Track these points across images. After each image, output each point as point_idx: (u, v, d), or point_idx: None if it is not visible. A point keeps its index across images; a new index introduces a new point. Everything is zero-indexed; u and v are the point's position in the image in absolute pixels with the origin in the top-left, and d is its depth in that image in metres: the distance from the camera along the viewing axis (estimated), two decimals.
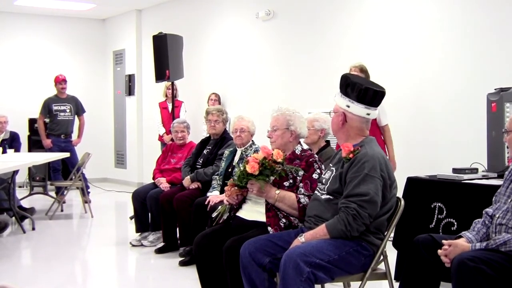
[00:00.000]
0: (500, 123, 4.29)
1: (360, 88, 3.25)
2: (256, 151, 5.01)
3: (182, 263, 5.38)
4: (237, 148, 5.28)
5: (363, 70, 5.98)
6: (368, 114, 3.31)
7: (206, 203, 5.04)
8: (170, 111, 8.89)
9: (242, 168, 3.68)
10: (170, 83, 8.70)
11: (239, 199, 3.86)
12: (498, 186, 3.30)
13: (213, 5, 9.75)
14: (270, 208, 3.67)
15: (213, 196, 5.12)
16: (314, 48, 7.80)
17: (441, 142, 6.21)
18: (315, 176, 3.67)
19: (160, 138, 9.30)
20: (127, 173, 12.09)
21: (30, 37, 11.97)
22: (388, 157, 5.91)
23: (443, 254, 2.97)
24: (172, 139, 8.53)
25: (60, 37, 12.25)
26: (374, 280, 3.35)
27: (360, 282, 3.24)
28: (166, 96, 9.19)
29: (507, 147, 3.12)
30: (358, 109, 3.30)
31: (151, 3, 11.14)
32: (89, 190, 9.30)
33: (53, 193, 9.35)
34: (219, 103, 8.93)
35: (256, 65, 8.87)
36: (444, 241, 3.02)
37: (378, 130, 5.90)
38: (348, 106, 3.30)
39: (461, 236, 3.10)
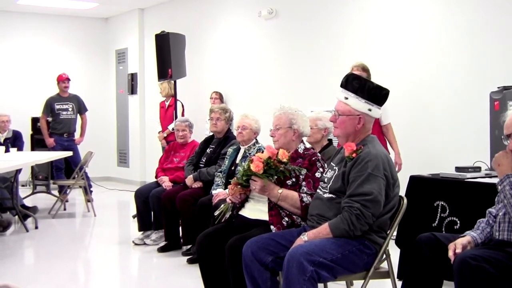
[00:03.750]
0: (503, 122, 4.28)
1: (375, 87, 3.29)
2: (259, 150, 5.02)
3: (190, 261, 5.38)
4: (241, 146, 5.30)
5: (364, 69, 5.97)
6: (370, 110, 3.33)
7: (213, 200, 5.04)
8: (166, 109, 8.93)
9: (246, 167, 3.68)
10: (164, 82, 8.75)
11: (242, 198, 3.86)
12: None
13: (216, 3, 9.75)
14: (273, 207, 3.66)
15: (221, 192, 5.12)
16: (317, 47, 7.79)
17: (444, 141, 6.20)
18: (317, 174, 3.67)
19: None
20: (130, 172, 12.10)
21: (33, 36, 11.98)
22: (394, 154, 5.94)
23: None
24: (165, 138, 8.64)
25: (62, 36, 12.26)
26: (377, 279, 3.35)
27: (363, 281, 3.24)
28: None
29: None
30: (377, 112, 3.33)
31: (154, 2, 11.14)
32: (91, 189, 9.31)
33: (56, 192, 9.36)
34: (221, 102, 8.93)
35: (258, 63, 8.87)
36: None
37: (379, 129, 5.91)
38: (370, 110, 3.30)
39: (465, 235, 3.10)
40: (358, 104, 3.29)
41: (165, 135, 8.75)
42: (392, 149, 5.99)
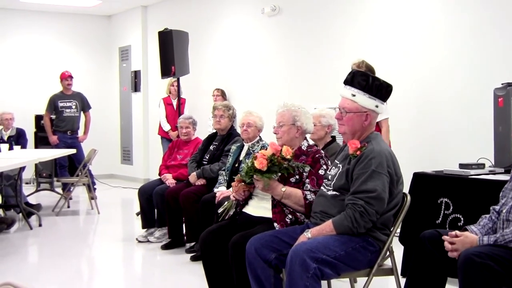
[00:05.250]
0: (507, 118, 4.27)
1: (381, 84, 3.28)
2: (263, 147, 5.02)
3: (193, 258, 5.38)
4: (244, 144, 5.29)
5: (370, 69, 5.91)
6: (377, 107, 3.32)
7: (216, 197, 5.03)
8: (176, 107, 8.92)
9: (249, 164, 3.67)
10: (174, 79, 8.74)
11: (245, 195, 3.86)
12: (505, 181, 3.28)
13: (219, 0, 9.74)
14: (276, 204, 3.66)
15: (225, 191, 5.11)
16: (320, 44, 7.78)
17: (447, 138, 6.19)
18: (321, 172, 3.66)
19: (161, 132, 9.27)
20: (133, 169, 12.11)
21: (36, 34, 12.00)
22: None
23: (449, 241, 2.95)
24: (178, 135, 8.62)
25: (66, 33, 12.27)
26: (381, 276, 3.35)
27: (367, 278, 3.24)
28: (170, 92, 9.18)
29: None
30: (382, 108, 3.32)
31: None
32: (95, 186, 9.32)
33: (59, 190, 9.38)
34: (224, 99, 8.92)
35: (261, 61, 8.86)
36: (457, 232, 2.99)
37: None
38: (377, 106, 3.29)
39: (466, 229, 3.10)
40: (366, 101, 3.28)
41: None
42: None
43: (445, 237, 2.99)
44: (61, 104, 9.37)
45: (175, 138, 8.70)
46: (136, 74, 11.84)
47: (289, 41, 8.33)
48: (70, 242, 6.59)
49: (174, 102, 9.04)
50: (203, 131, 7.92)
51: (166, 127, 9.11)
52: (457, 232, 2.99)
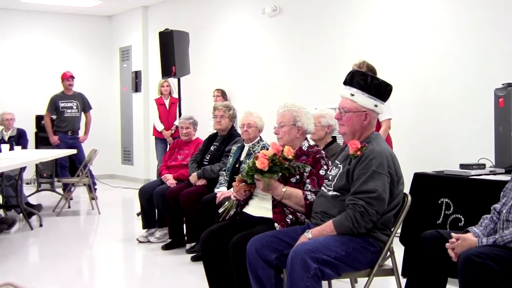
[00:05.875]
0: (507, 119, 4.27)
1: (381, 83, 3.28)
2: (263, 147, 5.02)
3: (194, 259, 5.37)
4: (245, 144, 5.29)
5: (370, 69, 5.91)
6: (376, 106, 3.32)
7: (217, 197, 5.03)
8: (168, 107, 8.97)
9: (250, 164, 3.67)
10: (164, 80, 8.80)
11: (246, 195, 3.86)
12: (505, 182, 3.28)
13: (219, 1, 9.74)
14: (277, 204, 3.66)
15: (226, 192, 5.11)
16: (320, 44, 7.78)
17: (448, 138, 6.19)
18: (322, 172, 3.66)
19: (155, 132, 9.28)
20: (134, 170, 12.12)
21: (37, 34, 12.00)
22: None
23: (450, 247, 2.97)
24: (172, 135, 8.74)
25: (66, 34, 12.28)
26: (381, 276, 3.35)
27: (367, 278, 3.24)
28: (161, 93, 9.18)
29: None
30: (381, 108, 3.32)
31: None
32: (96, 186, 9.33)
33: (60, 190, 9.39)
34: (224, 99, 8.93)
35: (262, 61, 8.86)
36: (453, 234, 3.01)
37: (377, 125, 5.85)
38: (376, 106, 3.29)
39: (468, 231, 3.10)
40: (365, 100, 3.28)
41: (172, 131, 8.86)
42: None
43: (447, 245, 3.00)
44: (62, 105, 9.37)
45: (168, 136, 8.80)
46: (137, 75, 11.84)
47: (289, 41, 8.33)
48: (70, 242, 6.59)
49: (166, 102, 9.08)
50: (204, 131, 7.92)
51: (160, 127, 9.11)
52: (457, 235, 2.99)
